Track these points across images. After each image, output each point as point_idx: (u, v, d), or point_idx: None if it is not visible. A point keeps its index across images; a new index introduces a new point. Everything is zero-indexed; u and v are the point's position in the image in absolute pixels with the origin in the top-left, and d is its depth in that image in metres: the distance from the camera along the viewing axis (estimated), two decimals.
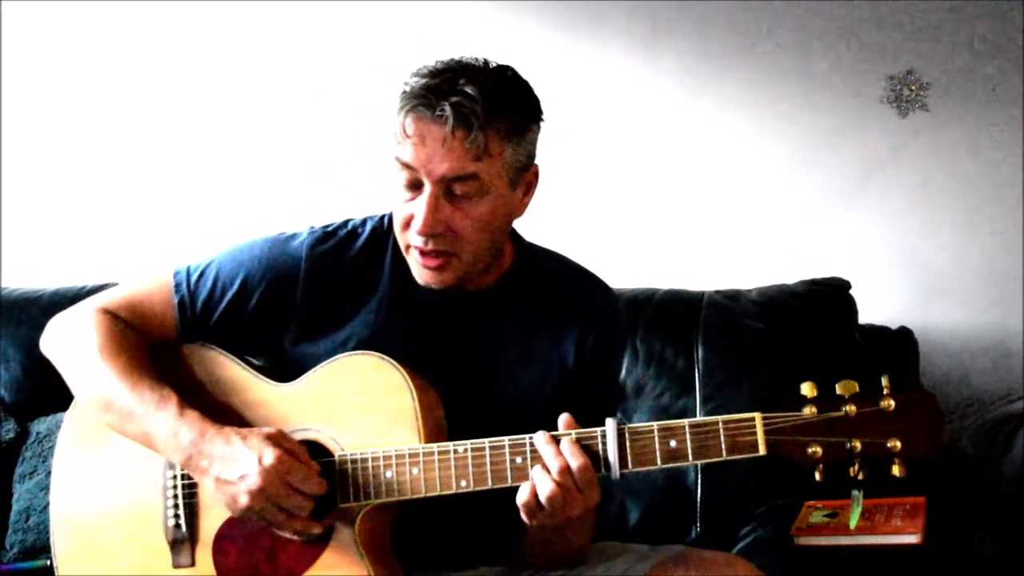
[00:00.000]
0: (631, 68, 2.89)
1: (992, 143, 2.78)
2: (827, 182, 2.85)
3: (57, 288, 2.79)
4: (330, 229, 1.74)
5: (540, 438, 1.52)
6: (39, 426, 2.60)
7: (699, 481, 2.42)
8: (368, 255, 1.71)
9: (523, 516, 1.53)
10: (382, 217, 1.73)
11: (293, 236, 1.73)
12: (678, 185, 2.90)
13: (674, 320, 2.52)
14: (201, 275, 1.73)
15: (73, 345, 1.71)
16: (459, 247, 1.59)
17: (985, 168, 2.79)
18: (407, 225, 1.60)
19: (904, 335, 2.53)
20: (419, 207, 1.57)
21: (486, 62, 1.60)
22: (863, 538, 2.01)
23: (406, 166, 1.57)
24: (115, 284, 2.70)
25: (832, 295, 2.54)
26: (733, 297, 2.54)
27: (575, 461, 1.49)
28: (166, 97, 3.06)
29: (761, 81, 2.85)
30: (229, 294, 1.70)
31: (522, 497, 1.51)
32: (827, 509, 2.15)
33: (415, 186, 1.58)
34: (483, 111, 1.53)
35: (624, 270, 2.75)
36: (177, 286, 1.72)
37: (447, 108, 1.52)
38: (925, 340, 2.57)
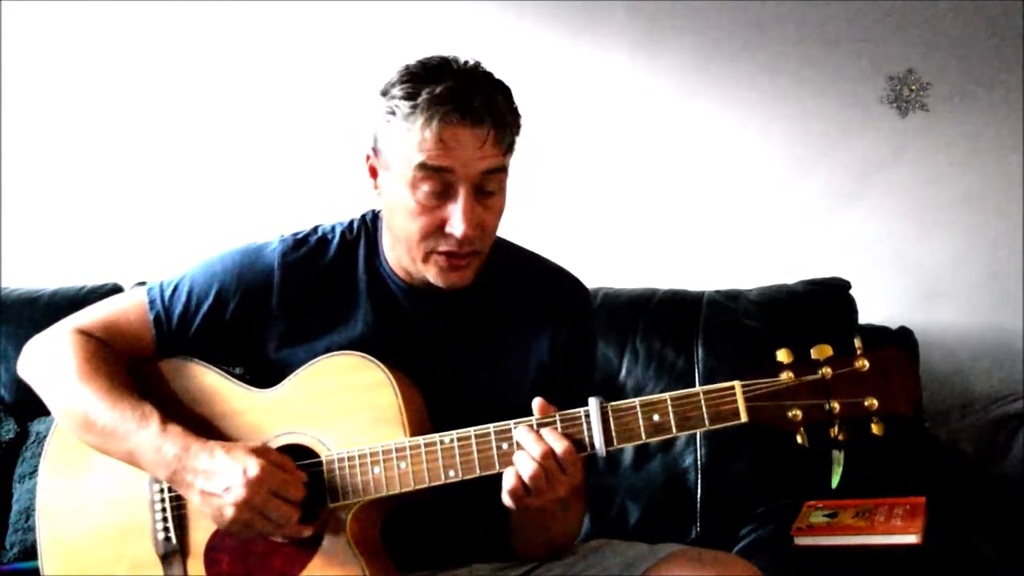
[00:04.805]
0: (631, 68, 2.90)
1: (992, 143, 2.79)
2: (827, 182, 2.85)
3: (57, 288, 2.79)
4: (300, 236, 1.74)
5: (520, 431, 1.53)
6: (39, 426, 2.60)
7: (699, 481, 2.42)
8: (342, 262, 1.71)
9: (510, 502, 1.53)
10: (351, 222, 1.74)
11: (264, 245, 1.73)
12: (678, 185, 2.90)
13: (674, 320, 2.52)
14: (175, 290, 1.72)
15: (51, 367, 1.71)
16: (484, 243, 1.62)
17: (985, 169, 2.80)
18: (429, 233, 1.59)
19: (904, 335, 2.53)
20: (456, 212, 1.56)
21: (466, 60, 1.60)
22: (863, 538, 2.01)
23: (437, 171, 1.55)
24: (115, 284, 2.74)
25: (832, 295, 2.53)
26: (733, 297, 2.54)
27: (558, 445, 1.51)
28: (166, 98, 3.05)
29: (761, 81, 2.85)
30: (204, 307, 1.70)
31: (508, 483, 1.52)
32: (827, 509, 2.14)
33: (443, 193, 1.57)
34: (507, 108, 1.57)
35: (624, 270, 2.76)
36: (152, 302, 1.72)
37: (480, 109, 1.54)
38: (925, 340, 2.57)
